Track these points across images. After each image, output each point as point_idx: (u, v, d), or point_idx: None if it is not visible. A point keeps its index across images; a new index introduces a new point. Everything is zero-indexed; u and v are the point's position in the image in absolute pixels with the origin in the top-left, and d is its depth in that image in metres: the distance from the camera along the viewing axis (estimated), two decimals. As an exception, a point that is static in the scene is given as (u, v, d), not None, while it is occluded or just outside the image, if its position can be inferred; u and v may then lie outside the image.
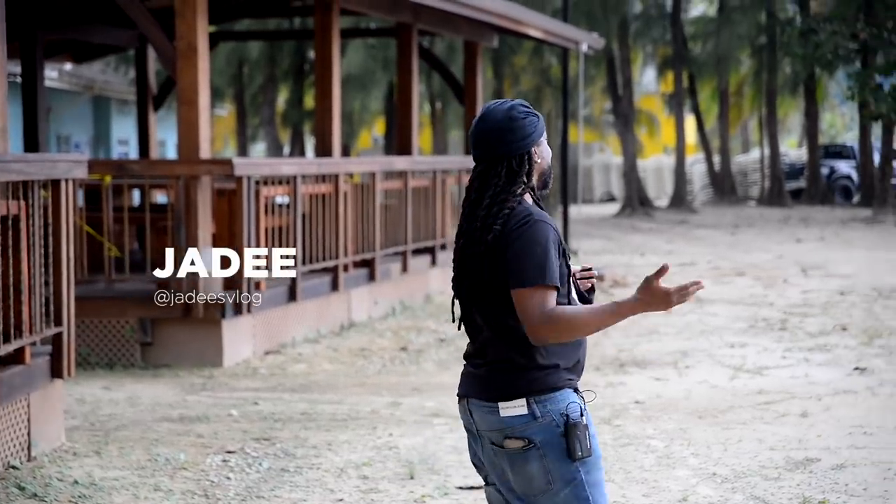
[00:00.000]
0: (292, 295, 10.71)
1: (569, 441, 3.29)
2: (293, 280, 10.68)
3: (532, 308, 3.23)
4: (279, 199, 11.09)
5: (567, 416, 3.30)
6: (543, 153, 3.43)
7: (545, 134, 3.45)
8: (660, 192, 41.01)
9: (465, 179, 15.32)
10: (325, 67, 12.04)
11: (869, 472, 6.34)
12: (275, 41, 28.02)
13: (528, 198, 3.40)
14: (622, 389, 8.75)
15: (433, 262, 14.34)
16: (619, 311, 3.23)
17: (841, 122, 56.73)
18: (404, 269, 13.49)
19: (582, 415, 3.33)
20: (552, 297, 3.26)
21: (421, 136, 37.04)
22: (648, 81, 45.57)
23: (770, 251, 19.95)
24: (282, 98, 33.78)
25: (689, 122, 40.29)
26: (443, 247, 14.67)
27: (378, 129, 43.45)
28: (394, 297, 13.07)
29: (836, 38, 29.65)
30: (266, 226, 10.26)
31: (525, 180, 3.37)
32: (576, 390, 3.39)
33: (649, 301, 3.20)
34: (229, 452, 6.82)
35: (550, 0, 29.07)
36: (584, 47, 19.12)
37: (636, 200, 31.91)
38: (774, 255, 19.26)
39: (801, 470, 6.39)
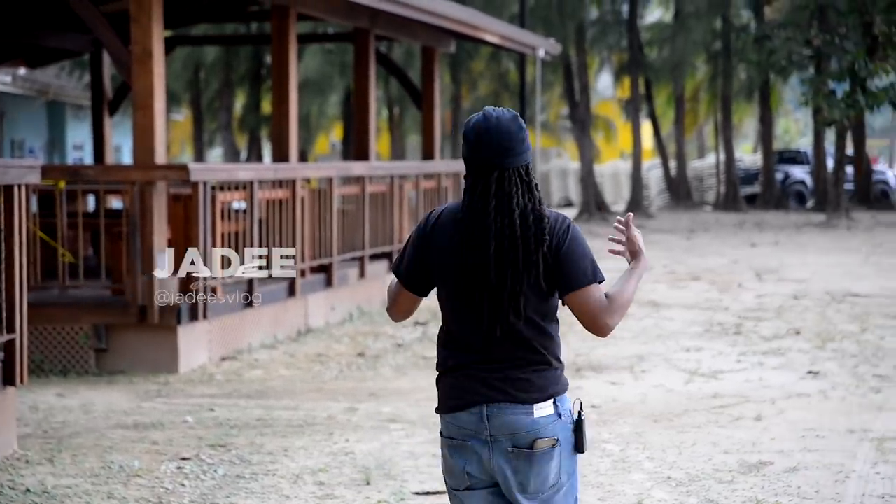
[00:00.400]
0: (249, 301, 10.67)
1: (578, 436, 3.45)
2: (250, 286, 10.65)
3: (600, 301, 3.44)
4: (236, 205, 11.05)
5: (575, 412, 3.46)
6: None
7: None
8: (617, 196, 41.20)
9: (424, 185, 15.35)
10: (281, 72, 12.02)
11: (821, 474, 6.40)
12: (232, 46, 27.92)
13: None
14: (579, 394, 8.74)
15: (391, 268, 14.30)
16: (638, 272, 3.62)
17: (795, 127, 57.29)
18: (362, 274, 13.47)
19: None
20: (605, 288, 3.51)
21: (379, 142, 37.03)
22: (605, 87, 45.82)
23: (725, 256, 20.10)
24: (239, 103, 33.65)
25: (646, 128, 40.51)
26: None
27: (336, 134, 43.39)
28: (351, 303, 13.05)
29: (790, 45, 29.94)
30: (222, 231, 10.22)
31: (537, 187, 3.46)
32: None
33: (636, 250, 3.64)
34: (184, 459, 6.78)
35: (507, 6, 29.19)
36: (540, 53, 19.20)
37: (593, 205, 32.04)
38: (729, 259, 19.41)
39: (755, 473, 6.44)
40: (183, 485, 6.29)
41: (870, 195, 34.45)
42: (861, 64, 27.98)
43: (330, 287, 12.51)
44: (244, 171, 11.02)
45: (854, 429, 7.46)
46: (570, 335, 11.49)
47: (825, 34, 29.38)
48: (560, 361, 3.49)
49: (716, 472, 6.46)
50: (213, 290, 10.05)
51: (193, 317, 9.74)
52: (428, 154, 16.39)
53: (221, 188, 10.28)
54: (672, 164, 38.10)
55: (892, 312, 12.65)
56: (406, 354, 10.56)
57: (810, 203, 35.25)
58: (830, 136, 33.85)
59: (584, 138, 32.56)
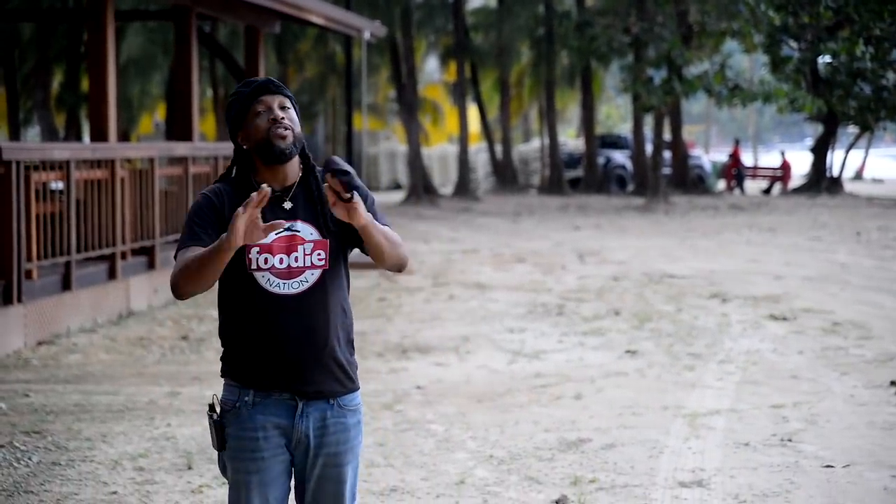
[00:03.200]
0: (66, 283, 10.38)
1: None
2: (67, 268, 10.36)
3: None
4: (54, 185, 10.73)
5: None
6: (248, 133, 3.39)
7: (256, 103, 3.37)
8: (445, 179, 41.54)
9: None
10: (98, 50, 11.70)
11: (636, 450, 6.59)
12: (48, 22, 27.03)
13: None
14: (404, 375, 8.84)
15: (215, 250, 14.12)
16: (222, 247, 3.16)
17: (617, 113, 58.74)
18: (185, 256, 13.23)
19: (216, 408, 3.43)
20: (181, 256, 3.32)
21: (204, 122, 36.41)
22: (432, 70, 46.10)
23: (549, 238, 20.47)
24: (57, 81, 32.62)
25: (473, 112, 40.94)
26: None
27: (160, 114, 42.50)
28: (174, 286, 12.81)
29: (610, 32, 30.67)
30: (38, 212, 9.91)
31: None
32: (244, 384, 3.40)
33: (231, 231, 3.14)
34: (-3, 447, 6.57)
35: (334, -13, 29.01)
36: (366, 35, 19.18)
37: (421, 188, 32.23)
38: (553, 242, 19.78)
39: (574, 450, 6.60)
40: (-5, 474, 6.08)
41: (686, 180, 35.56)
42: (677, 52, 28.86)
43: (153, 269, 12.27)
44: (60, 151, 10.70)
45: (668, 405, 7.71)
46: (397, 317, 11.55)
47: (643, 22, 30.19)
48: (222, 343, 3.46)
49: (536, 451, 6.59)
50: (29, 273, 9.73)
51: (7, 300, 9.42)
52: (253, 135, 16.17)
53: (36, 168, 9.96)
54: (498, 147, 38.60)
55: (706, 293, 13.10)
56: (230, 338, 10.43)
57: (630, 187, 36.17)
58: (650, 122, 34.80)
59: (411, 121, 32.69)
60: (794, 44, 31.62)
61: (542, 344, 10.15)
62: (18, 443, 6.67)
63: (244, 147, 3.40)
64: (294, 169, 3.41)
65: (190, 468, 6.21)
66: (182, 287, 3.28)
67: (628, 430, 7.05)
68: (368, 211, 3.30)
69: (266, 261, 3.33)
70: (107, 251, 11.18)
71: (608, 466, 6.27)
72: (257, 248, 3.32)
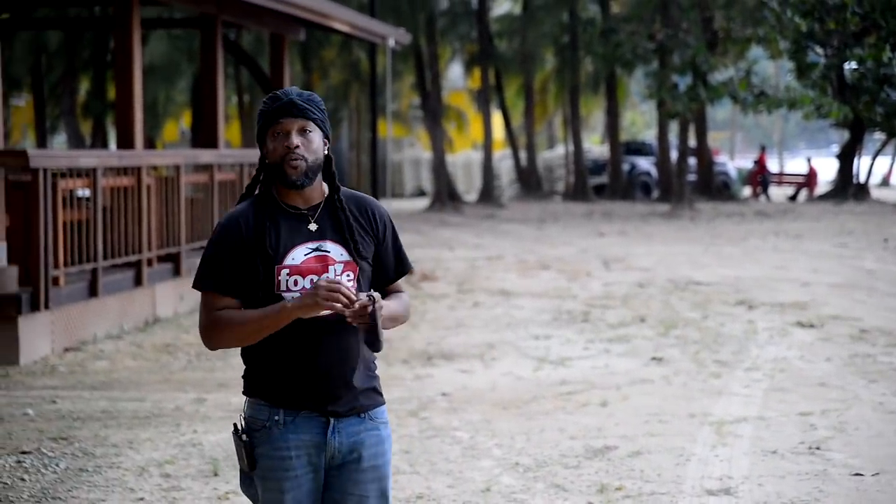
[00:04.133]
0: (93, 290, 10.42)
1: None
2: (94, 275, 10.40)
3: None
4: (81, 193, 10.78)
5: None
6: (267, 152, 3.33)
7: (275, 125, 3.30)
8: (469, 186, 41.53)
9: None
10: (125, 58, 11.76)
11: (663, 458, 6.56)
12: (74, 30, 27.19)
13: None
14: (429, 382, 8.83)
15: (240, 257, 14.14)
16: (281, 308, 3.19)
17: (642, 119, 58.59)
18: (210, 263, 13.26)
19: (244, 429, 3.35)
20: (211, 300, 3.28)
21: (229, 129, 36.54)
22: (456, 77, 46.09)
23: (574, 245, 20.43)
24: (83, 89, 32.81)
25: (497, 119, 40.92)
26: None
27: (185, 121, 42.68)
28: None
29: (635, 39, 30.59)
30: (65, 219, 9.96)
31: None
32: (274, 403, 3.32)
33: (301, 300, 3.17)
34: (24, 453, 6.59)
35: (358, -6, 29.08)
36: (391, 42, 19.21)
37: (445, 195, 32.23)
38: (578, 248, 19.74)
39: (600, 458, 6.57)
40: (23, 479, 6.11)
41: (711, 186, 35.44)
42: (702, 58, 28.78)
43: (178, 276, 12.31)
44: (87, 158, 10.75)
45: (695, 413, 7.67)
46: (422, 324, 11.54)
47: (668, 29, 30.12)
48: (245, 361, 3.39)
49: (562, 458, 6.57)
50: (56, 280, 9.78)
51: (35, 307, 9.46)
52: (278, 142, 16.22)
53: (63, 175, 10.01)
54: (522, 154, 38.57)
55: (732, 300, 13.04)
56: (256, 344, 10.45)
57: (655, 193, 36.08)
58: (674, 129, 34.70)
59: (435, 128, 32.71)
60: (819, 50, 31.46)
61: (567, 351, 10.13)
62: (46, 449, 6.70)
63: (266, 161, 3.35)
64: (318, 189, 3.34)
65: (216, 475, 6.22)
66: (223, 344, 3.30)
67: (655, 437, 7.02)
68: (392, 248, 3.40)
69: (296, 283, 3.27)
70: (133, 258, 11.22)
71: (635, 474, 6.25)
72: (287, 270, 3.26)
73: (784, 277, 15.09)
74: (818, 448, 6.72)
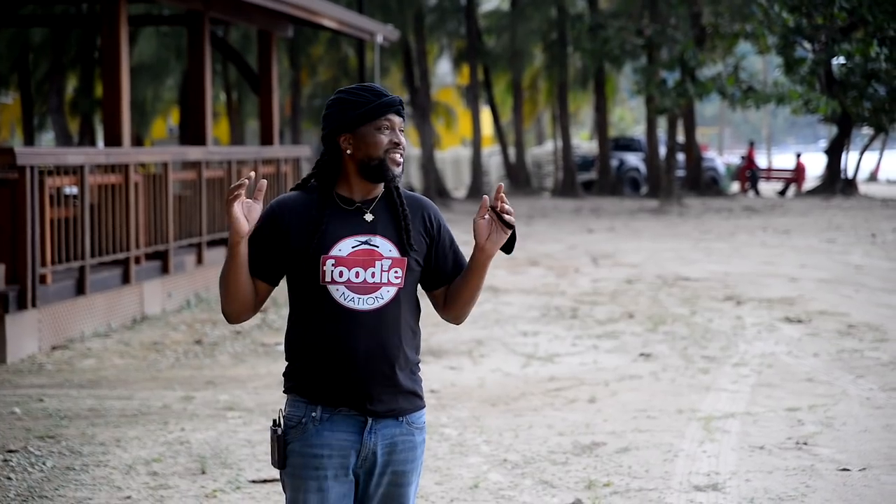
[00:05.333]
0: (81, 288, 10.40)
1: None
2: (81, 272, 10.38)
3: None
4: (68, 190, 10.75)
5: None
6: (358, 143, 3.32)
7: (382, 119, 3.31)
8: (458, 183, 41.51)
9: (263, 170, 15.19)
10: (112, 55, 11.73)
11: (651, 454, 6.57)
12: (61, 27, 27.10)
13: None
14: (417, 379, 8.82)
15: (228, 254, 14.13)
16: (230, 246, 3.23)
17: (630, 115, 58.64)
18: (199, 261, 13.27)
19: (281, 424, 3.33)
20: None
21: (217, 127, 36.49)
22: (445, 73, 46.08)
23: (563, 241, 20.44)
24: (71, 86, 32.72)
25: (486, 115, 40.91)
26: (238, 238, 14.47)
27: (174, 118, 42.60)
28: (189, 290, 12.84)
29: (623, 35, 30.62)
30: (52, 217, 9.94)
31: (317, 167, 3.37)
32: (312, 400, 3.31)
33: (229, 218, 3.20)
34: (11, 452, 6.58)
35: (346, -9, 29.04)
36: (379, 39, 19.19)
37: (434, 191, 32.21)
38: (567, 245, 19.75)
39: (588, 454, 6.58)
40: (9, 478, 6.09)
41: (700, 182, 35.48)
42: (690, 54, 28.81)
43: (166, 274, 12.29)
44: (74, 156, 10.72)
45: (683, 409, 7.68)
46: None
47: (656, 24, 30.15)
48: (287, 357, 3.39)
49: (550, 454, 6.58)
50: (43, 278, 9.76)
51: (22, 305, 9.44)
52: (266, 139, 16.23)
53: (51, 173, 9.99)
54: (511, 150, 38.57)
55: (721, 295, 13.06)
56: (245, 342, 10.45)
57: (644, 189, 36.11)
58: (663, 124, 34.73)
59: (424, 125, 32.69)
60: (807, 45, 31.52)
61: (555, 347, 10.14)
62: (33, 447, 6.68)
63: (346, 151, 3.31)
64: (379, 185, 3.36)
65: (204, 473, 6.21)
66: (224, 301, 3.30)
67: (643, 433, 7.03)
68: (449, 246, 3.40)
69: (341, 274, 3.24)
70: (121, 256, 11.20)
71: (623, 470, 6.26)
72: (332, 261, 3.24)
73: (772, 273, 15.12)
74: (805, 443, 6.74)
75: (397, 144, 3.30)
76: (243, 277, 3.25)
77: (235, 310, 3.29)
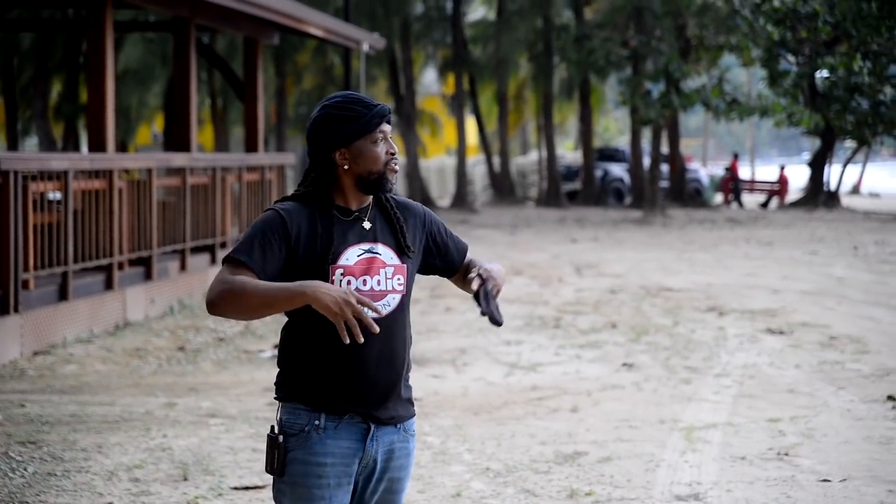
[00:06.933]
0: (63, 294, 10.38)
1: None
2: (64, 278, 10.35)
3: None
4: (51, 195, 10.73)
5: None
6: (356, 157, 3.29)
7: (377, 130, 3.28)
8: (443, 192, 41.55)
9: (247, 177, 15.19)
10: (97, 60, 11.72)
11: (633, 463, 6.59)
12: (47, 32, 27.06)
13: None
14: (400, 387, 8.82)
15: (213, 261, 14.14)
16: (300, 290, 3.09)
17: (615, 126, 58.78)
18: (183, 267, 13.25)
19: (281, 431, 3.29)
20: (233, 269, 3.20)
21: (202, 133, 36.44)
22: (430, 82, 46.15)
23: (547, 251, 20.47)
24: (55, 91, 32.64)
25: (471, 124, 40.94)
26: (223, 244, 14.48)
27: (158, 125, 42.52)
28: (172, 296, 12.82)
29: (609, 45, 30.73)
30: (35, 222, 9.91)
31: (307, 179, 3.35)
32: (315, 408, 3.27)
33: (321, 291, 3.07)
34: (-8, 458, 6.55)
35: (333, -1, 29.09)
36: (365, 47, 19.21)
37: (419, 200, 32.12)
38: (551, 254, 19.78)
39: (570, 463, 6.59)
40: (-10, 484, 6.07)
41: (684, 193, 35.60)
42: (675, 66, 28.93)
43: (150, 280, 12.26)
44: (58, 161, 10.69)
45: (665, 419, 7.70)
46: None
47: (641, 36, 30.25)
48: (284, 365, 3.35)
49: (533, 463, 6.59)
50: (25, 283, 9.73)
51: (4, 310, 9.41)
52: (251, 146, 16.22)
53: (34, 178, 9.96)
54: (496, 160, 38.64)
55: (703, 306, 13.10)
56: (227, 348, 10.43)
57: (628, 200, 36.19)
58: (647, 135, 34.84)
59: (409, 133, 32.73)
60: (791, 58, 31.68)
61: (538, 356, 10.15)
62: (14, 453, 6.66)
63: (343, 166, 3.28)
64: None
65: (186, 479, 6.20)
66: (223, 310, 3.17)
67: (625, 443, 7.05)
68: (447, 235, 3.48)
69: (349, 283, 3.23)
70: (104, 262, 11.18)
71: (605, 480, 6.27)
72: (341, 270, 3.23)
73: (755, 284, 15.18)
74: (786, 454, 6.76)
75: (393, 154, 3.31)
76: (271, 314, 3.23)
77: (231, 318, 3.25)
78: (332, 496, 3.25)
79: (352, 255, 3.25)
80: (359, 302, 3.08)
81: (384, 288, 3.28)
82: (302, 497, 3.25)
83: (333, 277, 3.23)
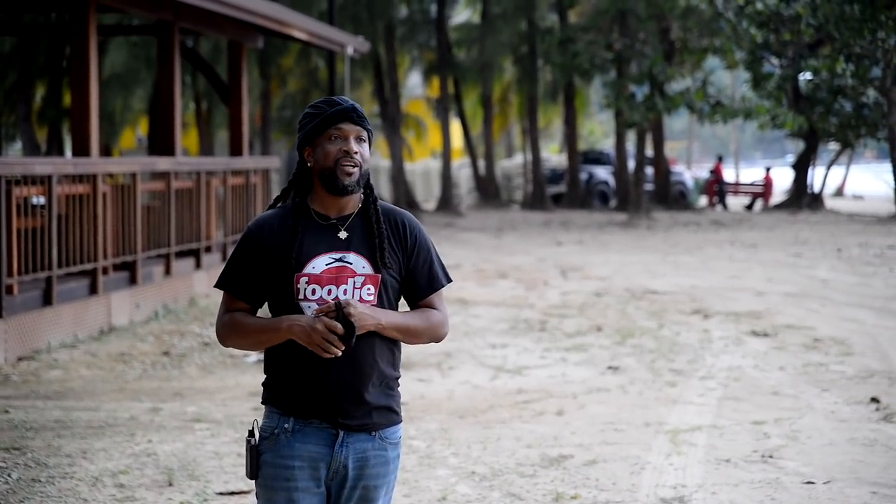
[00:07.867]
0: (47, 299, 10.34)
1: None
2: (48, 283, 10.32)
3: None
4: (35, 200, 10.69)
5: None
6: (316, 155, 3.34)
7: (334, 128, 3.31)
8: (428, 195, 41.54)
9: (232, 181, 15.17)
10: (81, 64, 11.69)
11: (618, 466, 6.60)
12: (30, 36, 26.97)
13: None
14: (385, 391, 8.81)
15: (198, 265, 14.11)
16: (278, 327, 3.25)
17: (600, 129, 58.86)
18: (167, 271, 13.22)
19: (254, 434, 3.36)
20: (227, 300, 3.38)
21: (187, 137, 36.36)
22: (415, 85, 46.13)
23: (532, 254, 20.49)
24: (39, 95, 32.54)
25: (456, 127, 40.94)
26: (208, 249, 14.46)
27: (142, 128, 42.43)
28: (157, 301, 12.79)
29: (593, 48, 30.78)
30: (19, 227, 9.88)
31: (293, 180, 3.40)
32: (285, 412, 3.34)
33: (296, 325, 3.22)
34: (-24, 464, 6.53)
35: (316, 2, 29.08)
36: (349, 50, 19.20)
37: (404, 203, 32.20)
38: (536, 257, 19.79)
39: (556, 466, 6.60)
40: (-26, 490, 6.05)
41: (668, 196, 35.66)
42: (659, 68, 28.99)
43: (135, 284, 12.23)
44: (42, 165, 10.66)
45: (650, 422, 7.72)
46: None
47: (626, 39, 30.31)
48: (265, 369, 3.44)
49: (518, 467, 6.59)
50: (9, 288, 9.70)
51: (-13, 316, 9.37)
52: (236, 150, 16.20)
53: (18, 183, 9.93)
54: (481, 163, 38.64)
55: (688, 309, 13.13)
56: (213, 353, 10.41)
57: (613, 203, 36.24)
58: (632, 138, 34.91)
59: (394, 136, 32.71)
60: (775, 61, 31.78)
61: (524, 360, 10.16)
62: (-2, 459, 6.64)
63: (308, 164, 3.35)
64: (354, 200, 3.36)
65: (171, 485, 6.19)
66: (231, 345, 3.38)
67: (610, 446, 7.06)
68: (424, 262, 3.37)
69: (314, 292, 3.26)
70: (88, 266, 11.15)
71: (590, 483, 6.28)
72: (306, 279, 3.26)
73: (739, 287, 15.22)
74: (771, 456, 6.79)
75: (347, 153, 3.29)
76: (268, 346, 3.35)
77: (235, 348, 3.41)
78: (301, 498, 3.27)
79: (319, 264, 3.26)
80: (327, 327, 3.17)
81: (350, 298, 3.28)
82: (272, 500, 3.29)
83: (298, 286, 3.27)
